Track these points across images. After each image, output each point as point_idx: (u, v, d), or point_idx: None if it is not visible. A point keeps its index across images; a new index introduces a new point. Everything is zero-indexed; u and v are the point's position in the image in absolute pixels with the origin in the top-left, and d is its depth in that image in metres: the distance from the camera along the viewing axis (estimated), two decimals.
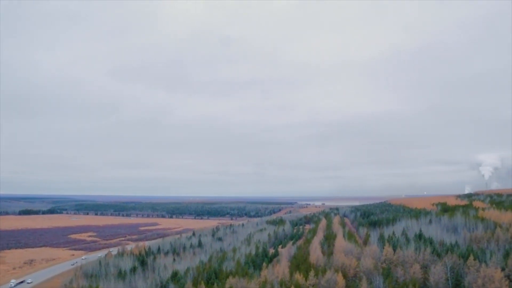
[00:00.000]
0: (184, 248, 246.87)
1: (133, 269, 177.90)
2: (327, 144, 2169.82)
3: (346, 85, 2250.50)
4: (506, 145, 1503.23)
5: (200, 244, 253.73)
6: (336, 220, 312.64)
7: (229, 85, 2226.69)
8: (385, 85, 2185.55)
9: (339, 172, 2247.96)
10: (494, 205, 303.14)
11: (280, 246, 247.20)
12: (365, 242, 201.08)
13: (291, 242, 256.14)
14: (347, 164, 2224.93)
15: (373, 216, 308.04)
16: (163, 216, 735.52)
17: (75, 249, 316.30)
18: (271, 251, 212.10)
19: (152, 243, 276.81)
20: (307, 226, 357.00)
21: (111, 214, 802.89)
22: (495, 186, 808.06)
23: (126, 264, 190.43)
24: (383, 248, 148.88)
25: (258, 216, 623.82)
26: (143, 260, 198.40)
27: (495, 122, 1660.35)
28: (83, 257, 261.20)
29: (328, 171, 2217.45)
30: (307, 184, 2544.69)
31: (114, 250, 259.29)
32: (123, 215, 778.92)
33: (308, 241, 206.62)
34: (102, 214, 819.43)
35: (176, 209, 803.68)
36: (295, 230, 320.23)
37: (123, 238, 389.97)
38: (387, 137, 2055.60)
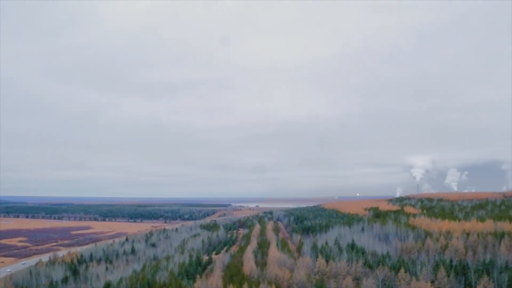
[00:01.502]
0: (117, 255, 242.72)
1: (65, 280, 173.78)
2: (262, 146, 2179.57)
3: (282, 88, 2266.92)
4: (437, 148, 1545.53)
5: (133, 251, 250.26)
6: (269, 226, 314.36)
7: (164, 86, 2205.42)
8: (320, 89, 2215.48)
9: (273, 173, 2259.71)
10: (424, 211, 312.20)
11: (214, 252, 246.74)
12: (299, 249, 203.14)
13: (225, 248, 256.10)
14: (281, 165, 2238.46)
15: (307, 222, 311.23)
16: (95, 219, 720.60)
17: (4, 256, 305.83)
18: (205, 258, 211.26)
19: (85, 249, 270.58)
20: (241, 231, 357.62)
21: (43, 217, 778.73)
22: (426, 188, 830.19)
23: (58, 273, 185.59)
24: (317, 258, 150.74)
25: (192, 219, 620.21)
26: (75, 269, 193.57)
27: (427, 126, 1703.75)
28: (7, 270, 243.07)
29: (262, 172, 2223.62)
30: (242, 185, 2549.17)
31: (45, 257, 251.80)
32: (55, 218, 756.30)
33: (242, 250, 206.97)
34: (33, 217, 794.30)
35: (109, 212, 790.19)
36: (229, 235, 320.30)
37: (55, 244, 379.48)
38: (321, 140, 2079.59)
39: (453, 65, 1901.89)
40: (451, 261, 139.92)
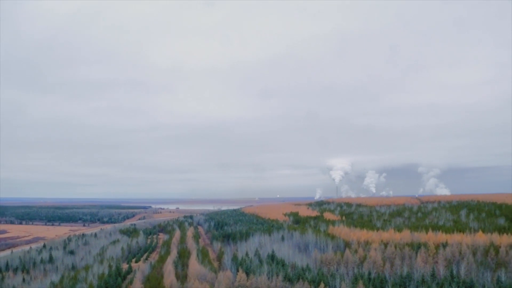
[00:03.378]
0: (35, 263, 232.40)
1: None
2: (183, 147, 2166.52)
3: (206, 90, 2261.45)
4: (356, 151, 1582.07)
5: (51, 259, 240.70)
6: (190, 232, 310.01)
7: (86, 86, 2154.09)
8: (243, 92, 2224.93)
9: (195, 174, 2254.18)
10: (343, 217, 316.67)
11: (134, 259, 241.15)
12: (219, 259, 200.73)
13: (145, 255, 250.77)
14: (202, 166, 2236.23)
15: (227, 227, 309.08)
16: (12, 222, 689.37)
17: None
18: (125, 266, 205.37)
19: (0, 257, 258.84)
20: (161, 235, 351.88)
21: None
22: (345, 189, 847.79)
23: None
24: (237, 271, 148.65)
25: (112, 222, 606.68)
26: None
27: (346, 129, 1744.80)
28: None
29: (182, 173, 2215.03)
30: (162, 186, 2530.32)
31: None
32: None
33: (162, 259, 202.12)
34: None
35: (26, 214, 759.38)
36: (149, 241, 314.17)
37: None
38: (243, 141, 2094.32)
39: (372, 71, 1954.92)
40: (369, 274, 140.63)
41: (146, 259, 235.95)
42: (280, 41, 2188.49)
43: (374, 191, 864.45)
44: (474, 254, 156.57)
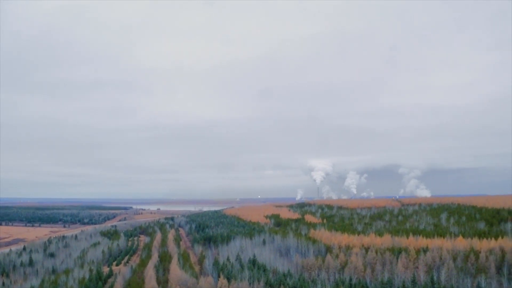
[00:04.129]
0: (14, 267, 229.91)
1: None
2: (166, 147, 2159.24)
3: (188, 91, 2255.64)
4: (337, 152, 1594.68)
5: (31, 262, 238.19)
6: (171, 235, 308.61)
7: (70, 86, 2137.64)
8: (225, 93, 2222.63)
9: (176, 175, 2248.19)
10: (325, 220, 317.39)
11: (114, 262, 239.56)
12: (201, 262, 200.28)
13: (126, 258, 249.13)
14: (184, 167, 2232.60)
15: (208, 230, 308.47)
16: None
17: None
18: (106, 269, 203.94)
19: None
20: (142, 237, 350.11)
21: None
22: (326, 190, 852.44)
23: None
24: (219, 276, 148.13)
25: (92, 223, 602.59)
26: None
27: (328, 130, 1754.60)
28: None
29: (164, 173, 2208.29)
30: (143, 186, 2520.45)
31: None
32: None
33: (143, 263, 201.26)
34: None
35: (6, 215, 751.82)
36: (129, 243, 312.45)
37: None
38: (224, 142, 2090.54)
39: (354, 73, 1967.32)
40: (350, 279, 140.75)
41: (127, 262, 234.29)
42: (264, 43, 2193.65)
43: (355, 192, 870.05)
44: (454, 259, 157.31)
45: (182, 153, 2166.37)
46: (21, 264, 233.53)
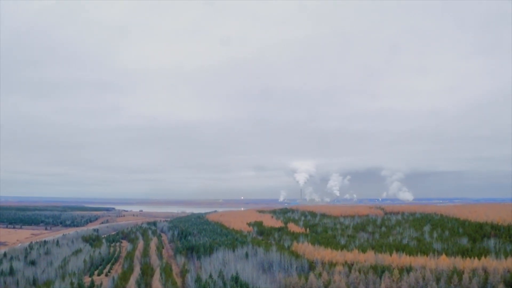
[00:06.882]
0: None
1: None
2: (148, 148, 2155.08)
3: (172, 92, 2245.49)
4: (320, 154, 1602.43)
5: (11, 271, 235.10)
6: (153, 243, 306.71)
7: (49, 86, 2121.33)
8: (207, 94, 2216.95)
9: (158, 175, 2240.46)
10: (308, 229, 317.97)
11: (96, 272, 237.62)
12: (183, 276, 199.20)
13: (108, 267, 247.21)
14: (166, 167, 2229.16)
15: (191, 238, 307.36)
16: None
17: None
18: (87, 279, 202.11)
19: None
20: (124, 243, 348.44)
21: None
22: (309, 191, 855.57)
23: None
24: None
25: (74, 225, 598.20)
26: None
27: (311, 133, 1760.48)
28: None
29: (146, 174, 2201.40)
30: (126, 186, 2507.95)
31: None
32: None
33: (125, 276, 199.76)
34: None
35: None
36: (111, 249, 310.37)
37: None
38: (207, 143, 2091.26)
39: (335, 77, 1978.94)
40: None
41: (109, 271, 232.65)
42: (244, 46, 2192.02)
43: (338, 194, 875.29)
44: (437, 280, 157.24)
45: (164, 153, 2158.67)
46: (1, 273, 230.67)
